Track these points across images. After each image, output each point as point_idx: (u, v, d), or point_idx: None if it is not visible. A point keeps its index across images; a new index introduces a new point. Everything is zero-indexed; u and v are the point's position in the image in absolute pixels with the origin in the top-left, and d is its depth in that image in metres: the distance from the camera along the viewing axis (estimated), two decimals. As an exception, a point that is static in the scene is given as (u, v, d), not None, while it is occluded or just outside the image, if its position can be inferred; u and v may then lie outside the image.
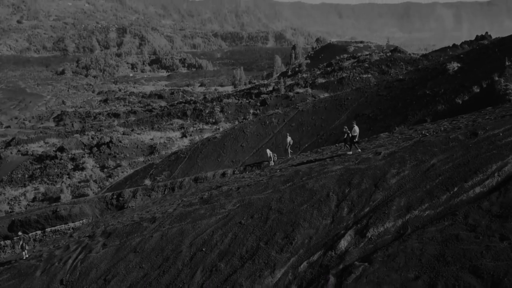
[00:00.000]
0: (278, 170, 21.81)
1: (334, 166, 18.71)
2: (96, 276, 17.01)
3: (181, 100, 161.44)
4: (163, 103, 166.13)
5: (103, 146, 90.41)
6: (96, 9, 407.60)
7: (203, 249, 16.19)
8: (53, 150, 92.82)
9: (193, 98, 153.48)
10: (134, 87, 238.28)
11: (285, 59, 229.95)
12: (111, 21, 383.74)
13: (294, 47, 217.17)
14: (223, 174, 27.37)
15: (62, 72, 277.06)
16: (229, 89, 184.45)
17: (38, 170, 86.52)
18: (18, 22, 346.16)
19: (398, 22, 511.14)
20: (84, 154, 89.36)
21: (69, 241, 20.97)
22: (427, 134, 20.43)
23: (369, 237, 13.97)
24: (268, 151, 27.97)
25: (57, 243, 21.83)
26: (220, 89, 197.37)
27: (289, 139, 29.31)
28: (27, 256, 21.72)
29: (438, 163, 15.67)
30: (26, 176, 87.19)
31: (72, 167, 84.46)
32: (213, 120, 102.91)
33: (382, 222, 14.20)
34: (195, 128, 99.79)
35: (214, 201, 19.24)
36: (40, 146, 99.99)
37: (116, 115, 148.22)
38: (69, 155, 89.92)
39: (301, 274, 13.86)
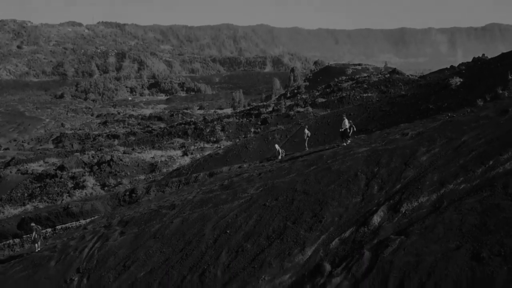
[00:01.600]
0: (300, 157, 21.43)
1: (359, 148, 18.40)
2: (114, 263, 16.42)
3: (180, 121, 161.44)
4: (162, 125, 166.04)
5: (103, 164, 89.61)
6: (95, 34, 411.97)
7: (227, 231, 15.69)
8: (53, 169, 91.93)
9: (193, 120, 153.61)
10: (133, 110, 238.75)
11: (283, 83, 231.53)
12: (111, 46, 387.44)
13: (292, 70, 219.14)
14: (239, 168, 26.92)
15: (61, 96, 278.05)
16: (229, 111, 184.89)
17: (38, 188, 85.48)
18: (18, 47, 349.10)
19: (393, 48, 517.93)
20: (84, 172, 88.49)
21: (84, 232, 20.39)
22: (454, 115, 20.21)
23: (403, 212, 13.57)
24: (277, 146, 27.67)
25: (70, 235, 21.22)
26: (220, 111, 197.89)
27: (307, 132, 28.98)
28: (39, 249, 21.05)
29: (469, 139, 15.40)
30: (26, 194, 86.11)
31: (73, 185, 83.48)
32: (214, 139, 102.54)
33: (415, 197, 13.81)
34: (196, 147, 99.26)
35: (236, 186, 18.80)
36: (40, 166, 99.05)
37: (116, 137, 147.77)
38: (70, 174, 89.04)
39: (333, 250, 13.40)
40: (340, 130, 24.25)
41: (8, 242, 26.35)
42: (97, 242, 18.34)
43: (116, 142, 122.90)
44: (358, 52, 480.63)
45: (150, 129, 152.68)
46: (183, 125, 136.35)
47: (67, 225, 26.26)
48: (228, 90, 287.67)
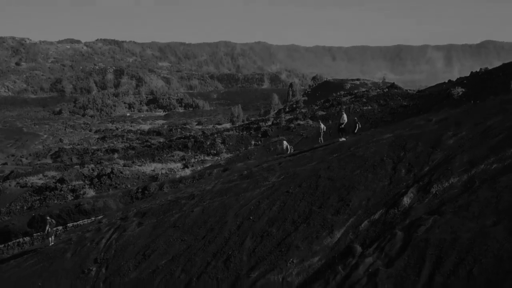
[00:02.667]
0: (319, 147, 21.19)
1: (383, 135, 18.19)
2: (133, 252, 16.04)
3: (179, 136, 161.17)
4: (161, 139, 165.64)
5: (104, 177, 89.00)
6: (94, 51, 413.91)
7: (250, 218, 15.38)
8: (53, 182, 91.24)
9: (192, 134, 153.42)
10: (131, 126, 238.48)
11: (281, 98, 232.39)
12: (109, 63, 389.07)
13: (291, 85, 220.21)
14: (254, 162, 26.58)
15: (59, 112, 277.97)
16: (227, 126, 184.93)
17: (38, 201, 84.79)
18: (17, 64, 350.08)
19: (390, 64, 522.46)
20: (84, 185, 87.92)
21: (100, 225, 19.96)
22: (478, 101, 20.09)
23: (434, 192, 13.32)
24: (285, 142, 27.46)
25: (85, 229, 20.78)
26: (218, 126, 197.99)
27: (322, 126, 28.77)
28: (53, 243, 20.58)
29: (495, 123, 15.25)
30: (25, 207, 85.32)
31: (73, 198, 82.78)
32: (215, 151, 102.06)
33: (446, 178, 13.59)
34: (196, 159, 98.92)
35: (256, 176, 18.51)
36: (39, 179, 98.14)
37: (115, 151, 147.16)
38: (69, 187, 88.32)
39: (363, 232, 13.11)
40: (340, 125, 24.15)
41: (18, 240, 25.83)
42: (114, 233, 17.94)
43: (116, 155, 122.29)
44: (355, 69, 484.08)
45: (149, 143, 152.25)
46: (182, 139, 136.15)
47: (78, 222, 25.79)
48: (226, 106, 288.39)
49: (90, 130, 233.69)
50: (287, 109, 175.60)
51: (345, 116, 23.37)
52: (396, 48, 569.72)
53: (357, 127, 25.00)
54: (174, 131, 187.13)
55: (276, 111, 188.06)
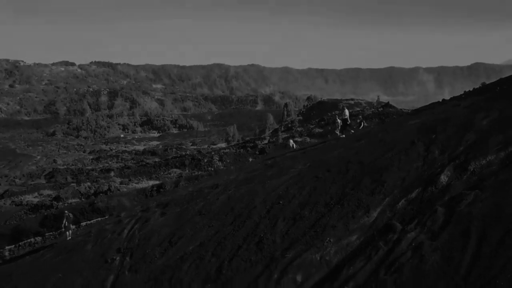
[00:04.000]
0: (341, 135, 21.00)
1: (408, 121, 18.07)
2: (158, 240, 15.63)
3: (175, 155, 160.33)
4: (157, 159, 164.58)
5: (101, 194, 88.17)
6: (88, 74, 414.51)
7: (280, 202, 15.09)
8: (49, 200, 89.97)
9: (187, 153, 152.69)
10: (125, 147, 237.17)
11: (276, 119, 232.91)
12: (103, 85, 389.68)
13: (286, 105, 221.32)
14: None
15: (53, 134, 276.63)
16: (223, 145, 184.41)
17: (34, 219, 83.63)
18: (11, 86, 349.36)
19: (382, 86, 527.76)
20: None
21: (120, 218, 19.49)
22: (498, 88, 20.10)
23: (471, 170, 13.16)
24: (291, 141, 27.30)
25: (103, 222, 20.28)
26: (214, 146, 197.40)
27: (339, 121, 28.54)
28: (70, 237, 20.04)
29: (524, 105, 15.21)
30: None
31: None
32: (212, 169, 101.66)
33: (483, 156, 13.47)
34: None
35: (280, 164, 18.24)
36: (34, 197, 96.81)
37: (110, 171, 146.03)
38: (66, 204, 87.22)
39: (400, 211, 12.88)
40: (340, 120, 24.21)
41: (29, 240, 25.14)
42: (136, 224, 17.50)
43: (112, 173, 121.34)
44: (348, 91, 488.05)
45: (144, 163, 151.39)
46: (178, 157, 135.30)
47: (92, 221, 25.17)
48: (220, 127, 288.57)
49: (84, 151, 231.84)
50: (282, 128, 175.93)
51: (347, 111, 23.35)
52: (388, 70, 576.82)
53: (362, 125, 25.03)
54: (170, 151, 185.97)
55: (272, 130, 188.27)
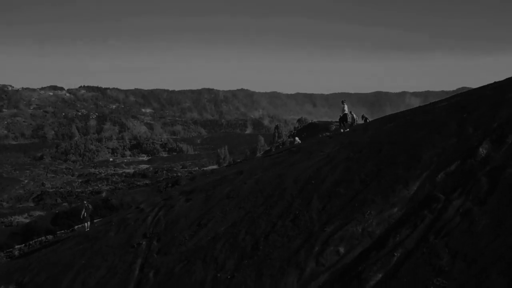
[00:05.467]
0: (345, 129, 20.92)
1: (436, 104, 18.10)
2: (186, 224, 15.24)
3: (165, 177, 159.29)
4: (147, 181, 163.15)
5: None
6: (76, 98, 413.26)
7: (312, 182, 14.85)
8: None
9: (179, 175, 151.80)
10: (114, 171, 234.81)
11: (266, 141, 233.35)
12: (92, 109, 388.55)
13: (277, 127, 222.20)
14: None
15: (41, 158, 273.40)
16: (214, 167, 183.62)
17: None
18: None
19: (369, 110, 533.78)
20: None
21: (141, 207, 19.00)
22: None
23: (510, 142, 13.10)
24: (297, 138, 27.29)
25: (123, 212, 19.75)
26: (205, 168, 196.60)
27: (354, 116, 28.48)
28: (88, 229, 19.46)
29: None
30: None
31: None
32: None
33: (521, 127, 13.44)
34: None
35: (307, 150, 18.02)
36: (25, 218, 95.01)
37: (101, 193, 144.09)
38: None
39: (440, 183, 12.74)
40: (340, 115, 24.47)
41: (40, 239, 24.31)
42: (160, 211, 17.05)
43: (103, 194, 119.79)
44: (336, 115, 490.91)
45: (135, 185, 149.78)
46: (170, 178, 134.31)
47: (105, 219, 24.39)
48: (210, 151, 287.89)
49: (73, 175, 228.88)
50: (273, 150, 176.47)
51: (346, 106, 23.49)
52: (375, 94, 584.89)
53: (365, 121, 25.21)
54: (160, 173, 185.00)
55: (263, 152, 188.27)
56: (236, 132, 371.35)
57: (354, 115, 26.53)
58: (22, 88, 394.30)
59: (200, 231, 14.56)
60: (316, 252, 12.12)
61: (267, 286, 11.82)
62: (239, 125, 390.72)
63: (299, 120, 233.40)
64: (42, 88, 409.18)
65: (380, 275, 10.68)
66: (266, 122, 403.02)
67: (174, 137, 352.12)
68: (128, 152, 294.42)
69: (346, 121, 24.31)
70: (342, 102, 24.24)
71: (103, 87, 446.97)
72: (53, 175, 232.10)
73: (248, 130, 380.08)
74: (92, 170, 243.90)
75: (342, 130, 23.43)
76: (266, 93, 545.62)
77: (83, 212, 19.74)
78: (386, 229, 12.04)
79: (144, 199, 25.24)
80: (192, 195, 17.57)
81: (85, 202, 20.43)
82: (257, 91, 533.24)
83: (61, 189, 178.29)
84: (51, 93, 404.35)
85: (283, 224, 13.43)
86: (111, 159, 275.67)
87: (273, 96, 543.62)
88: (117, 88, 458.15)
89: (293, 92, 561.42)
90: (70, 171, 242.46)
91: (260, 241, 13.17)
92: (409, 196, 12.70)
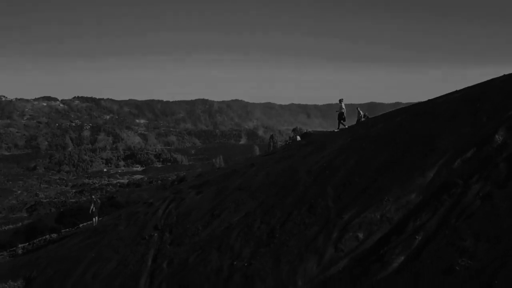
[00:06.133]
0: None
1: (448, 96, 18.11)
2: (198, 215, 15.07)
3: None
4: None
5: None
6: (70, 109, 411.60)
7: (326, 172, 14.74)
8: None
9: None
10: (108, 181, 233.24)
11: (261, 150, 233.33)
12: (85, 120, 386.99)
13: (272, 137, 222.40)
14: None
15: (34, 168, 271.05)
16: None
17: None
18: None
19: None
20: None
21: (150, 202, 18.77)
22: None
23: (525, 129, 13.10)
24: (298, 137, 27.25)
25: (131, 208, 19.49)
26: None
27: (362, 112, 28.33)
28: (96, 224, 19.19)
29: None
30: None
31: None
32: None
33: (535, 115, 13.45)
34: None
35: (318, 143, 17.93)
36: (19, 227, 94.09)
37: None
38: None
39: (457, 170, 12.71)
40: (337, 112, 24.60)
41: (44, 237, 23.90)
42: (171, 204, 16.85)
43: (99, 201, 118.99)
44: (330, 126, 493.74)
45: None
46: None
47: (113, 214, 24.04)
48: (205, 161, 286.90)
49: (66, 185, 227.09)
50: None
51: (343, 104, 23.60)
52: (369, 105, 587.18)
53: (366, 117, 25.33)
54: (155, 183, 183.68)
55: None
56: (230, 142, 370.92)
57: (361, 112, 26.52)
58: (16, 98, 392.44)
59: (213, 222, 14.39)
60: (335, 238, 12.00)
61: (286, 272, 11.67)
62: (233, 135, 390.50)
63: (294, 130, 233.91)
64: (36, 99, 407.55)
65: (402, 258, 10.57)
66: (260, 132, 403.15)
67: (168, 147, 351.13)
68: (122, 163, 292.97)
69: (344, 119, 24.37)
70: (340, 101, 24.29)
71: (97, 97, 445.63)
72: (46, 185, 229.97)
73: (243, 141, 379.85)
74: (86, 180, 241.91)
75: (339, 128, 23.45)
76: (260, 103, 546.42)
77: (91, 207, 19.53)
78: (404, 214, 11.95)
79: (152, 195, 24.98)
80: (202, 188, 17.42)
81: (93, 196, 20.21)
82: (251, 101, 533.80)
83: (55, 199, 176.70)
84: (44, 104, 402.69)
85: (299, 212, 13.30)
86: (105, 170, 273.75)
87: (267, 107, 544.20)
88: (111, 99, 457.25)
89: (287, 103, 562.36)
90: (64, 181, 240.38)
91: (276, 229, 13.03)
92: (426, 183, 12.63)
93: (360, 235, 11.83)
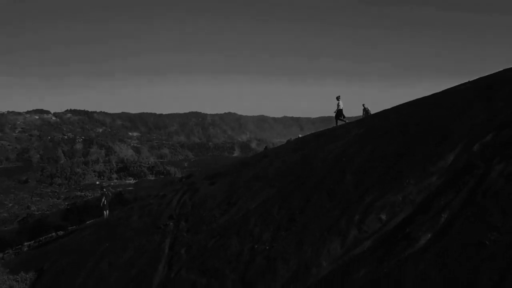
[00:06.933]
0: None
1: (460, 86, 18.22)
2: (214, 203, 14.96)
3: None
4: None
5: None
6: (63, 122, 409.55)
7: (343, 159, 14.71)
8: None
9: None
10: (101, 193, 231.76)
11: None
12: (78, 133, 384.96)
13: (266, 148, 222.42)
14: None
15: (26, 181, 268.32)
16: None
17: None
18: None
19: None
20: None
21: (163, 194, 18.60)
22: None
23: (544, 113, 13.20)
24: (300, 135, 27.28)
25: (143, 200, 19.29)
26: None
27: (368, 108, 28.23)
28: (107, 217, 18.96)
29: None
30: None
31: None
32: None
33: (551, 99, 13.56)
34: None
35: (331, 134, 17.93)
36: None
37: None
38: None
39: (477, 153, 12.78)
40: (334, 112, 24.61)
41: (50, 235, 23.48)
42: (185, 195, 16.69)
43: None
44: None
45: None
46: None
47: (124, 208, 23.69)
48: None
49: (58, 198, 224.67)
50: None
51: (341, 102, 23.55)
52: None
53: (368, 112, 25.38)
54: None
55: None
56: (223, 155, 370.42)
57: (368, 108, 26.57)
58: (8, 111, 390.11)
59: (230, 209, 14.28)
60: (357, 220, 11.95)
61: (309, 254, 11.58)
62: (226, 148, 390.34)
63: (288, 142, 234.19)
64: (28, 112, 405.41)
65: (429, 235, 10.53)
66: (253, 145, 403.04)
67: (161, 160, 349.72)
68: (115, 175, 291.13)
69: (342, 116, 24.31)
70: (337, 98, 24.16)
71: (89, 110, 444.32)
72: (38, 198, 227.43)
73: (236, 153, 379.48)
74: (79, 193, 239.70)
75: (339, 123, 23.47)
76: (253, 116, 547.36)
77: (103, 199, 19.34)
78: (427, 196, 11.93)
79: (162, 190, 24.79)
80: (216, 179, 17.31)
81: (104, 189, 20.04)
82: (244, 114, 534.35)
83: (47, 212, 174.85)
84: (37, 117, 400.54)
85: (318, 197, 13.24)
86: (97, 182, 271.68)
87: (261, 120, 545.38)
88: (104, 112, 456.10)
89: (280, 116, 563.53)
90: (56, 194, 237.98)
91: (296, 214, 12.95)
92: (447, 166, 12.65)
93: (383, 217, 11.79)
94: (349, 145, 15.64)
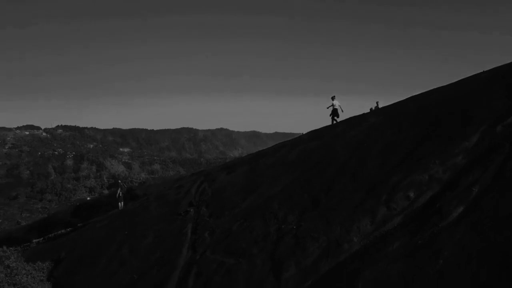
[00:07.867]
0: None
1: (477, 76, 18.43)
2: (234, 191, 14.94)
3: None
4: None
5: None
6: (53, 137, 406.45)
7: (365, 144, 14.77)
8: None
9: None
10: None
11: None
12: (69, 149, 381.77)
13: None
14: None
15: (15, 197, 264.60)
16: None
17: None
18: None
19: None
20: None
21: (179, 184, 18.46)
22: None
23: (562, 95, 13.38)
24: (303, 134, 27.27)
25: (157, 193, 19.11)
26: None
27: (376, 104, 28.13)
28: (121, 208, 18.78)
29: None
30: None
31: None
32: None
33: None
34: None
35: (347, 124, 17.99)
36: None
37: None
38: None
39: (500, 134, 13.15)
40: (327, 107, 24.41)
41: (59, 232, 23.01)
42: (203, 184, 16.61)
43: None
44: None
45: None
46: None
47: (139, 199, 23.33)
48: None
49: (48, 214, 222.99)
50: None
51: (336, 102, 23.45)
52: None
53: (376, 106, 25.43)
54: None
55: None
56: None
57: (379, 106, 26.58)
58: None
59: (252, 195, 14.24)
60: (385, 199, 11.98)
61: (339, 231, 11.56)
62: (218, 163, 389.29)
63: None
64: (18, 128, 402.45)
65: (461, 208, 10.57)
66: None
67: (153, 176, 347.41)
68: (106, 191, 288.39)
69: (337, 116, 24.08)
70: (332, 98, 23.98)
71: (80, 126, 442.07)
72: (28, 214, 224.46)
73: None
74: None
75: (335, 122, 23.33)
76: (245, 132, 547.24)
77: (118, 191, 19.22)
78: (454, 174, 12.01)
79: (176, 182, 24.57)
80: (233, 168, 17.27)
81: (119, 181, 19.87)
82: (236, 130, 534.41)
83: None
84: (27, 133, 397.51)
85: (341, 181, 13.27)
86: (88, 198, 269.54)
87: (253, 135, 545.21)
88: (95, 127, 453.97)
89: (271, 132, 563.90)
90: (46, 210, 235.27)
91: (321, 197, 12.95)
92: (471, 146, 12.77)
93: (411, 195, 11.84)
94: (369, 132, 15.74)
